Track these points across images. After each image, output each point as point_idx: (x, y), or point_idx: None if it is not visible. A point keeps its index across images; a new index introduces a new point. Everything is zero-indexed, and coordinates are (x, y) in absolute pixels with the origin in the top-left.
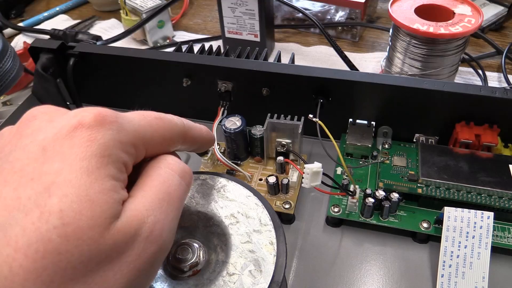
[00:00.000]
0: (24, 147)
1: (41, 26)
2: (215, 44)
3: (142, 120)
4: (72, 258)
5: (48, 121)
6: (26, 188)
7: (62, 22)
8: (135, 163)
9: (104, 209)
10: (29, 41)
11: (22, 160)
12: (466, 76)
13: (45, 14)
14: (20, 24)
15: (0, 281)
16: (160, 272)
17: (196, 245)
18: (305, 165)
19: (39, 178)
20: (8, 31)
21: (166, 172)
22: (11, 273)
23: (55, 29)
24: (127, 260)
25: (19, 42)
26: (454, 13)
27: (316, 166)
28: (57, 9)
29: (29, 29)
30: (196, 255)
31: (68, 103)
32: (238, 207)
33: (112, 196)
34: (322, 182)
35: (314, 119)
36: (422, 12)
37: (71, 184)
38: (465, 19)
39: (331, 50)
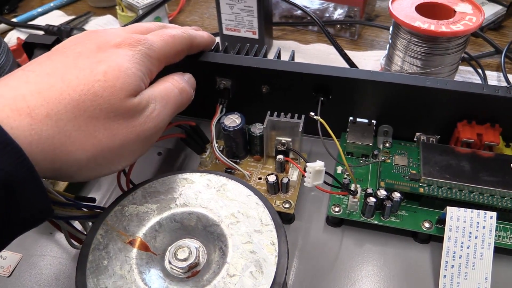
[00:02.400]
0: (85, 45)
1: (35, 22)
2: None
3: (162, 41)
4: (103, 103)
5: (102, 36)
6: (83, 60)
7: (56, 18)
8: (158, 72)
9: (132, 84)
10: (23, 37)
11: (81, 49)
12: (466, 75)
13: (39, 9)
14: (14, 20)
15: (51, 100)
16: (159, 273)
17: (195, 245)
18: (307, 164)
19: (94, 57)
20: (1, 26)
21: (169, 85)
22: (60, 97)
23: (49, 25)
24: (133, 124)
25: (13, 38)
26: (455, 11)
27: (319, 164)
28: (51, 4)
29: (23, 25)
30: (195, 255)
31: None
32: (238, 206)
33: (139, 81)
34: (323, 181)
35: (315, 117)
36: (423, 10)
37: (117, 62)
38: (466, 18)
39: (329, 48)
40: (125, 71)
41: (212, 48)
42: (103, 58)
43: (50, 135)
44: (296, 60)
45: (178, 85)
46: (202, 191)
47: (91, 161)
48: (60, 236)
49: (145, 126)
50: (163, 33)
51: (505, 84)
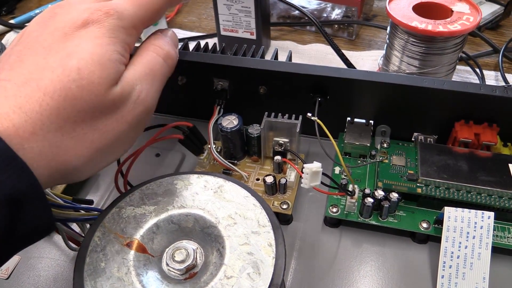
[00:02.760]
0: (50, 32)
1: None
2: (211, 42)
3: (134, 4)
4: (84, 104)
5: (66, 14)
6: (53, 56)
7: None
8: (136, 40)
9: (111, 73)
10: None
11: (48, 41)
12: (464, 75)
13: (37, 11)
14: (12, 21)
15: (33, 115)
16: (156, 275)
17: (193, 247)
18: (305, 165)
19: (63, 49)
20: None
21: (152, 55)
22: (40, 109)
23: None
24: (121, 114)
25: (10, 39)
26: (452, 11)
27: (316, 166)
28: (49, 6)
29: (21, 26)
30: (193, 257)
31: None
32: (235, 208)
33: (117, 66)
34: (321, 182)
35: (312, 118)
36: (420, 10)
37: (88, 52)
38: (464, 17)
39: (327, 48)
40: (99, 60)
41: (210, 51)
42: (72, 48)
43: (42, 150)
44: (294, 60)
45: (161, 52)
46: (199, 193)
47: (88, 163)
48: (58, 238)
49: (135, 112)
50: None
51: (503, 83)
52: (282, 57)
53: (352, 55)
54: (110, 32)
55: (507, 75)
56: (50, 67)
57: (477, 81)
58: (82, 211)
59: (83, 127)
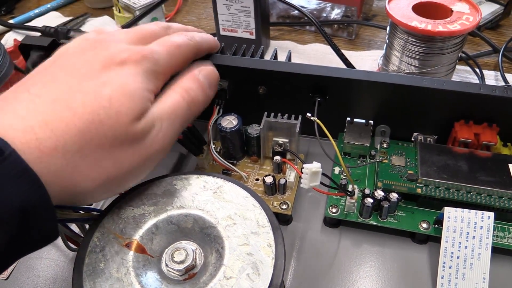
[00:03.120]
0: (88, 61)
1: (32, 23)
2: None
3: (168, 53)
4: (108, 131)
5: (106, 49)
6: (88, 82)
7: (53, 19)
8: (164, 84)
9: (138, 107)
10: (20, 38)
11: (85, 68)
12: (463, 75)
13: (36, 11)
14: (11, 21)
15: (58, 132)
16: (156, 275)
17: (192, 247)
18: (304, 165)
19: (98, 78)
20: None
21: (177, 98)
22: (66, 128)
23: (46, 26)
24: (138, 148)
25: (10, 39)
26: (452, 11)
27: (315, 166)
28: (48, 6)
29: (20, 26)
30: (192, 258)
31: None
32: (235, 208)
33: (145, 103)
34: (320, 182)
35: (312, 118)
36: (420, 9)
37: (121, 85)
38: (463, 17)
39: (327, 48)
40: (130, 94)
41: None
42: (108, 79)
43: (58, 168)
44: (293, 60)
45: (187, 97)
46: (198, 193)
47: (99, 189)
48: (57, 239)
49: (152, 149)
50: (169, 43)
51: (502, 83)
52: (282, 57)
53: (351, 55)
54: (145, 73)
55: (507, 75)
56: (83, 91)
57: (477, 81)
58: (81, 212)
59: (101, 152)
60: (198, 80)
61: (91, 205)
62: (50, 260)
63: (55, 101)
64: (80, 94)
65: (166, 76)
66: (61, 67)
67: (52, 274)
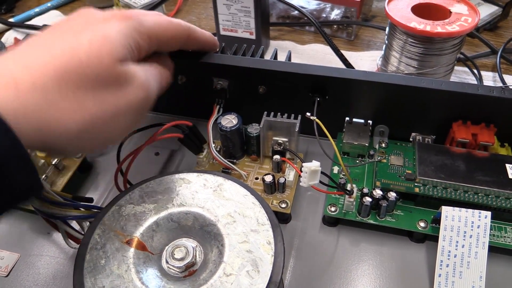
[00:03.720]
0: (74, 21)
1: (32, 22)
2: None
3: (155, 22)
4: (89, 71)
5: (93, 12)
6: (69, 34)
7: (53, 18)
8: (148, 53)
9: (120, 51)
10: (20, 37)
11: (71, 26)
12: (462, 76)
13: (37, 9)
14: (11, 20)
15: (36, 73)
16: (156, 272)
17: (192, 245)
18: (303, 164)
19: (81, 30)
20: None
21: (161, 69)
22: (45, 69)
23: (46, 25)
24: (123, 93)
25: (10, 38)
26: (451, 12)
27: (314, 164)
28: (49, 4)
29: (20, 25)
30: (192, 255)
31: None
32: (235, 206)
33: (126, 49)
34: (320, 181)
35: (311, 118)
36: (419, 10)
37: (103, 32)
38: (462, 18)
39: (326, 49)
40: (111, 39)
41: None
42: (89, 29)
43: (37, 106)
44: (293, 60)
45: (167, 64)
46: (199, 191)
47: (82, 132)
48: (58, 236)
49: (137, 95)
50: (159, 16)
51: (500, 84)
52: (282, 57)
53: (351, 55)
54: (127, 29)
55: (505, 76)
56: (65, 40)
57: (475, 82)
58: (82, 209)
59: (84, 92)
60: (169, 63)
61: (91, 202)
62: (51, 257)
63: (36, 49)
64: (61, 42)
65: (151, 41)
66: (46, 29)
67: (53, 271)
